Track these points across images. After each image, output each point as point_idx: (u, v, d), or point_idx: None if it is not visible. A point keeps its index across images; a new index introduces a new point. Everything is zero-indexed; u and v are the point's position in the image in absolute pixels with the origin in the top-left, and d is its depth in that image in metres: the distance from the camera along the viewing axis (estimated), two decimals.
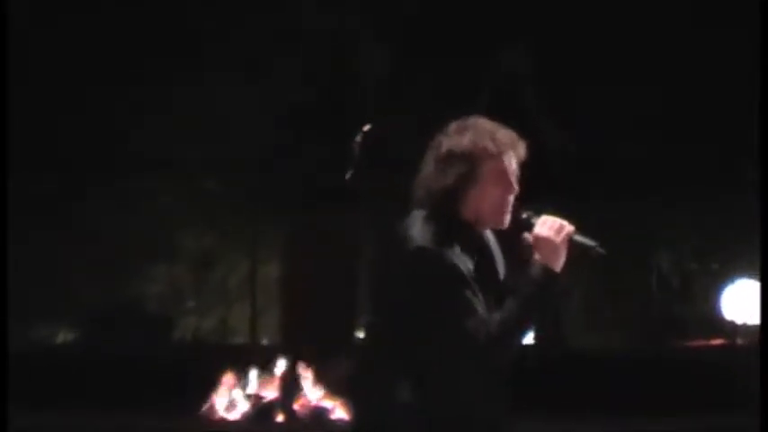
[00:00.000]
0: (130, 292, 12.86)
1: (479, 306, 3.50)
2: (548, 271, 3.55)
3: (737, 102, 10.66)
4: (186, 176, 12.47)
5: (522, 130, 3.72)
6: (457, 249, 3.56)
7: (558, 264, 3.56)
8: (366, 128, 11.10)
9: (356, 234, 11.42)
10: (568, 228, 3.58)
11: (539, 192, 4.10)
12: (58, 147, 11.87)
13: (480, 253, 3.66)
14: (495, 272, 3.69)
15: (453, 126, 3.67)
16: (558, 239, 3.55)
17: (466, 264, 3.56)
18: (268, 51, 11.55)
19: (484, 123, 3.66)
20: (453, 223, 3.61)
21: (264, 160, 11.70)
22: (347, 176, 11.07)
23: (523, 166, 3.68)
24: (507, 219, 3.64)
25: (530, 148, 3.68)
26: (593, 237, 3.63)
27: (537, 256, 3.57)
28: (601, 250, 3.60)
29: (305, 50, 11.43)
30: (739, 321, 11.86)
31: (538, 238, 3.58)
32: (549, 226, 3.57)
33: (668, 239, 13.12)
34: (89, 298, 12.45)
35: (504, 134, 3.65)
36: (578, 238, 3.59)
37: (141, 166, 12.15)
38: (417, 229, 3.56)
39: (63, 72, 11.63)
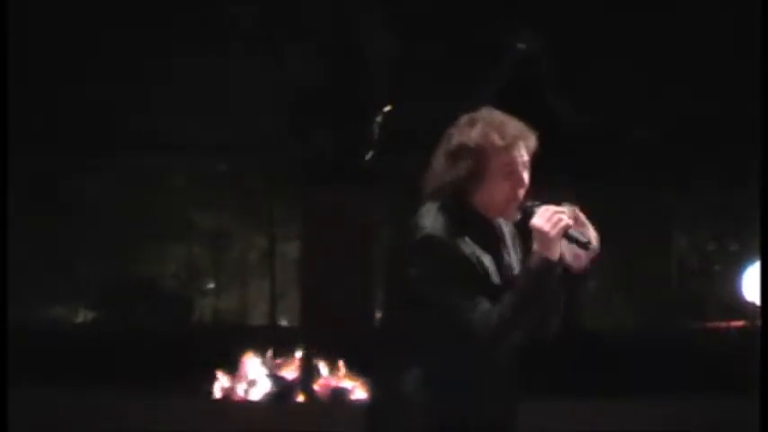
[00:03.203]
0: (148, 273, 12.89)
1: (485, 297, 3.51)
2: (544, 261, 3.54)
3: (757, 82, 10.59)
4: (203, 155, 12.48)
5: (538, 113, 3.71)
6: (468, 240, 3.58)
7: (554, 254, 3.55)
8: (387, 108, 11.09)
9: (373, 215, 11.40)
10: (564, 222, 3.56)
11: (557, 176, 4.09)
12: (74, 126, 11.88)
13: (494, 244, 3.66)
14: (510, 263, 3.69)
15: (464, 119, 3.67)
16: (553, 232, 3.54)
17: (477, 254, 3.57)
18: (281, 32, 11.52)
19: (494, 116, 3.65)
20: (465, 214, 3.62)
21: (280, 140, 11.71)
22: (367, 157, 11.06)
23: (536, 154, 3.67)
24: (516, 212, 3.64)
25: (542, 137, 3.66)
26: (612, 219, 3.65)
27: (535, 246, 3.57)
28: (591, 247, 3.60)
29: (318, 32, 11.39)
30: (759, 303, 11.83)
31: (534, 229, 3.58)
32: (546, 217, 3.55)
33: (688, 221, 13.09)
34: (106, 279, 12.48)
35: (514, 126, 3.64)
36: (573, 232, 3.58)
37: (158, 146, 12.16)
38: (429, 218, 3.58)
39: (76, 50, 11.60)
